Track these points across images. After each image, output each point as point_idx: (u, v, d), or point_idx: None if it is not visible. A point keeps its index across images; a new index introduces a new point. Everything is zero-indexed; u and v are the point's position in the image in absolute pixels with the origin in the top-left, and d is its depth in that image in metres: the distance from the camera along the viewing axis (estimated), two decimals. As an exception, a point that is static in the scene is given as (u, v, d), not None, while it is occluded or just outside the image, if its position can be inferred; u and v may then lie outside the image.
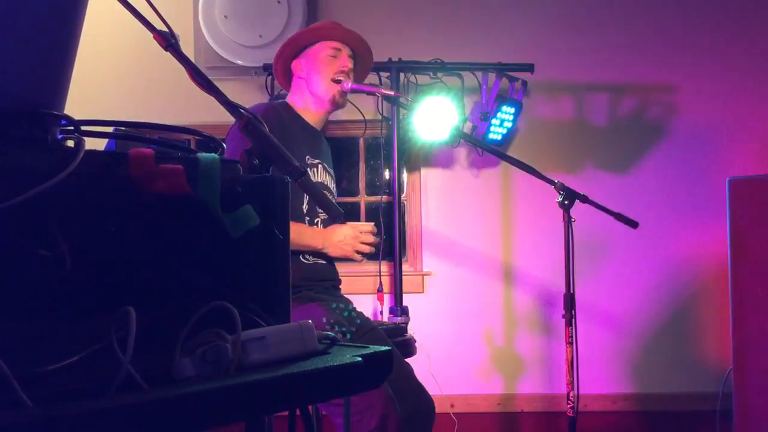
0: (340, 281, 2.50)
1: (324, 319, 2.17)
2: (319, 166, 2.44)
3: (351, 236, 2.30)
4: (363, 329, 2.34)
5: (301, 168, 1.16)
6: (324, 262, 2.39)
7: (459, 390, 3.64)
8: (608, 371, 3.68)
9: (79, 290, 0.86)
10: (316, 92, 2.41)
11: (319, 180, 2.43)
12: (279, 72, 2.51)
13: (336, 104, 2.44)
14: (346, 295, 2.49)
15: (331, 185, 2.52)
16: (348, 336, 2.20)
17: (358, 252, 2.32)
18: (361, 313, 2.40)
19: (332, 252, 2.32)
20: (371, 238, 2.33)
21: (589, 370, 3.38)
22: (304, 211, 2.34)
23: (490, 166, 3.76)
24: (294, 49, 2.46)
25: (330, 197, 2.48)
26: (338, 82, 2.39)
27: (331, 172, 2.54)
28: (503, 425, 3.72)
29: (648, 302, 3.70)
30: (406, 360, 2.45)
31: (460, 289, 3.73)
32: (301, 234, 2.27)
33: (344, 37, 2.44)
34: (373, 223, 2.38)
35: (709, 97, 3.72)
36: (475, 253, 3.75)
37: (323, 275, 2.39)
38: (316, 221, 2.38)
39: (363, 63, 2.57)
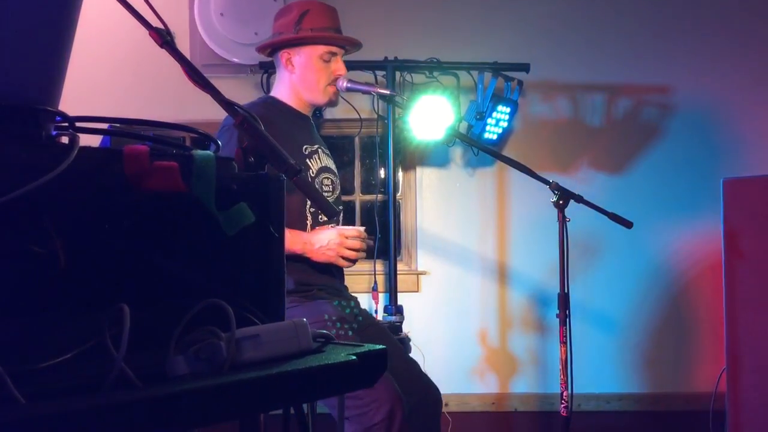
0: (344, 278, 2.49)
1: (326, 316, 2.16)
2: (319, 150, 2.41)
3: (335, 242, 2.17)
4: (365, 325, 2.34)
5: (297, 166, 1.16)
6: None
7: (453, 389, 3.64)
8: (602, 371, 3.69)
9: (73, 287, 0.86)
10: (310, 94, 2.38)
11: (324, 164, 2.40)
12: (266, 49, 2.44)
13: (332, 104, 2.45)
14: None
15: (333, 167, 2.48)
16: (351, 333, 2.19)
17: (343, 258, 2.20)
18: (363, 310, 2.39)
19: (314, 257, 2.19)
20: (358, 244, 2.21)
21: (583, 370, 3.37)
22: (308, 209, 2.32)
23: (486, 165, 3.76)
24: (288, 41, 2.38)
25: (334, 179, 2.44)
26: (333, 84, 2.38)
27: (329, 153, 2.50)
28: (497, 424, 3.72)
29: (642, 302, 3.70)
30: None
31: (454, 288, 3.73)
32: None
33: (343, 43, 2.41)
34: (362, 228, 2.26)
35: (704, 98, 3.73)
36: (470, 252, 3.75)
37: (336, 272, 2.35)
38: (320, 218, 2.33)
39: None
